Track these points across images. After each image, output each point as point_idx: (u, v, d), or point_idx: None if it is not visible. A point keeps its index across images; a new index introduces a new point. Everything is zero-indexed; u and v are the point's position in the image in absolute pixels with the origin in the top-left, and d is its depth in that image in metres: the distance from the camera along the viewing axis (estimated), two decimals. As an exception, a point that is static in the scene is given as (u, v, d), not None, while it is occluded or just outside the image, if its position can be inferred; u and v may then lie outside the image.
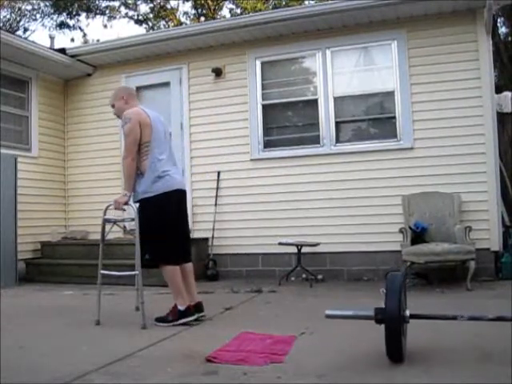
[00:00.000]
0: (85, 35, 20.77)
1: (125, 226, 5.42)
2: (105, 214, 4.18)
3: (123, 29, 35.54)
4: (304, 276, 6.55)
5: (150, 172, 4.02)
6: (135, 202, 4.12)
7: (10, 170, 6.87)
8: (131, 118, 4.05)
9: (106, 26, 27.71)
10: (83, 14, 19.99)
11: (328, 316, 2.81)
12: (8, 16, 19.54)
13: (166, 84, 7.80)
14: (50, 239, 7.68)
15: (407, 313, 2.78)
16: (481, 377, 2.56)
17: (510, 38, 15.04)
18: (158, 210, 4.01)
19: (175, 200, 4.13)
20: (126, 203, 4.04)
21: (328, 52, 7.03)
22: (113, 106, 4.36)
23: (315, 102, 7.07)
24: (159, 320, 4.00)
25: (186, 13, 21.13)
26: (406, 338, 2.82)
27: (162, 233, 4.01)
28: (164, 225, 4.03)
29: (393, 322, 2.60)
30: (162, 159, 4.08)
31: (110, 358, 3.00)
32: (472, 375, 2.59)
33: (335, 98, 6.97)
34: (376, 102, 6.95)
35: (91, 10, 19.98)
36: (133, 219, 4.05)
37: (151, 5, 20.46)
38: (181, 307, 4.00)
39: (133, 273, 4.03)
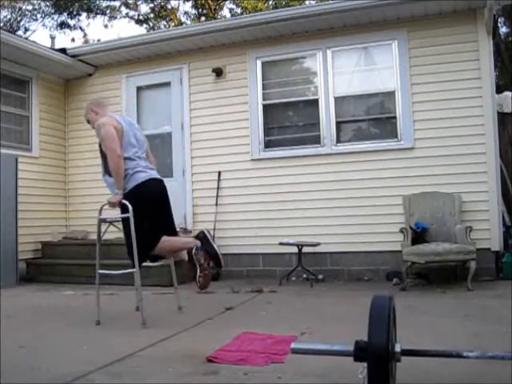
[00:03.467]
0: (85, 35, 20.86)
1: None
2: (100, 214, 4.17)
3: (124, 29, 35.67)
4: (305, 276, 6.55)
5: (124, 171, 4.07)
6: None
7: (10, 170, 6.87)
8: (104, 123, 4.15)
9: (106, 26, 27.89)
10: (84, 14, 20.06)
11: (294, 350, 2.23)
12: (8, 16, 19.58)
13: (167, 84, 7.80)
14: (50, 239, 7.69)
15: (398, 348, 2.10)
16: (481, 377, 2.56)
17: (510, 38, 15.05)
18: (134, 205, 3.99)
19: (150, 191, 4.14)
20: (120, 202, 4.04)
21: (329, 52, 7.03)
22: (88, 122, 4.45)
23: (316, 102, 7.07)
24: (200, 282, 4.02)
25: (186, 13, 21.19)
26: (395, 379, 2.20)
27: (142, 227, 3.99)
28: (143, 217, 4.01)
29: (378, 360, 1.97)
30: (133, 159, 4.13)
31: (111, 358, 3.00)
32: (472, 375, 2.59)
33: (336, 98, 6.98)
34: (377, 102, 6.95)
35: (92, 10, 20.02)
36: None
37: (152, 5, 20.49)
38: (194, 244, 4.07)
39: (130, 271, 4.01)
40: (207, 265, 4.06)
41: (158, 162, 4.68)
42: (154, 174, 4.26)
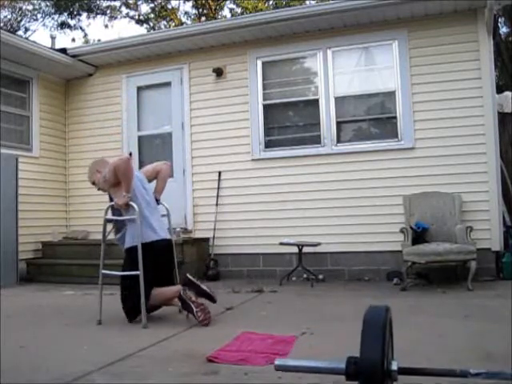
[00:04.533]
0: (86, 35, 20.85)
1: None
2: (106, 214, 4.20)
3: (124, 29, 35.67)
4: (305, 276, 6.55)
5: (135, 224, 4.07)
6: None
7: (10, 170, 6.87)
8: (105, 170, 4.19)
9: (106, 26, 27.90)
10: (84, 14, 20.05)
11: (278, 368, 2.00)
12: (9, 16, 19.58)
13: (167, 84, 7.80)
14: (50, 239, 7.69)
15: (394, 366, 1.87)
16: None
17: (510, 38, 15.04)
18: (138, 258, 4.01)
19: (157, 252, 4.15)
20: (127, 204, 4.05)
21: (329, 52, 7.03)
22: (93, 183, 4.42)
23: (316, 101, 7.07)
24: (200, 317, 3.99)
25: (186, 13, 21.20)
26: None
27: (145, 278, 4.00)
28: (144, 272, 4.00)
29: (372, 379, 1.75)
30: (144, 207, 4.15)
31: (111, 358, 3.00)
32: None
33: (336, 98, 6.97)
34: (377, 101, 6.95)
35: (92, 10, 20.01)
36: (133, 219, 4.05)
37: (152, 5, 20.49)
38: (181, 292, 4.04)
39: (134, 273, 4.03)
40: (200, 300, 4.04)
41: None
42: (163, 234, 4.27)
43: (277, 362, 1.94)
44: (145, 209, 4.18)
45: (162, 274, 4.28)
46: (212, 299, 4.19)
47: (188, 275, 4.29)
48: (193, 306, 3.95)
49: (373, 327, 1.83)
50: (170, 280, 4.36)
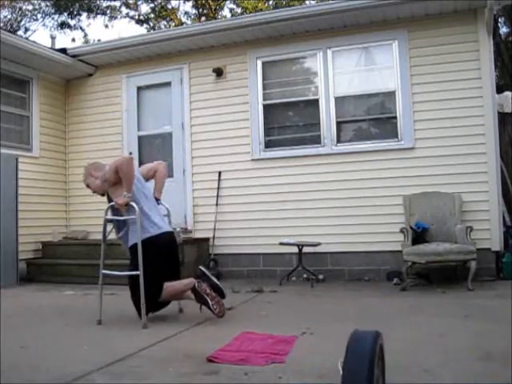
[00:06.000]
0: (86, 35, 20.84)
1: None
2: (106, 214, 4.20)
3: (124, 29, 35.68)
4: (305, 276, 6.55)
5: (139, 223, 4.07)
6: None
7: (10, 170, 6.87)
8: (105, 169, 4.22)
9: (106, 26, 27.89)
10: (84, 14, 20.04)
11: None
12: (9, 16, 19.58)
13: (167, 84, 7.80)
14: (50, 239, 7.69)
15: None
16: (481, 377, 2.56)
17: (510, 38, 15.04)
18: (145, 255, 4.01)
19: (161, 244, 4.16)
20: (127, 203, 4.05)
21: (329, 52, 7.03)
22: (88, 186, 4.42)
23: (316, 101, 7.07)
24: (215, 310, 4.03)
25: (186, 13, 21.20)
26: None
27: (150, 276, 4.00)
28: (152, 267, 4.02)
29: None
30: (146, 212, 4.15)
31: (111, 358, 3.00)
32: (472, 375, 2.58)
33: (336, 98, 6.97)
34: (377, 101, 6.95)
35: (92, 10, 20.00)
36: (134, 219, 4.05)
37: (152, 5, 20.49)
38: (194, 282, 4.08)
39: (134, 273, 4.03)
40: (214, 293, 4.08)
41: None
42: (165, 227, 4.28)
43: None
44: (144, 204, 4.18)
45: (171, 267, 4.27)
46: (222, 294, 4.21)
47: (201, 267, 4.31)
48: (208, 298, 3.99)
49: (357, 357, 1.51)
50: (178, 274, 4.35)
